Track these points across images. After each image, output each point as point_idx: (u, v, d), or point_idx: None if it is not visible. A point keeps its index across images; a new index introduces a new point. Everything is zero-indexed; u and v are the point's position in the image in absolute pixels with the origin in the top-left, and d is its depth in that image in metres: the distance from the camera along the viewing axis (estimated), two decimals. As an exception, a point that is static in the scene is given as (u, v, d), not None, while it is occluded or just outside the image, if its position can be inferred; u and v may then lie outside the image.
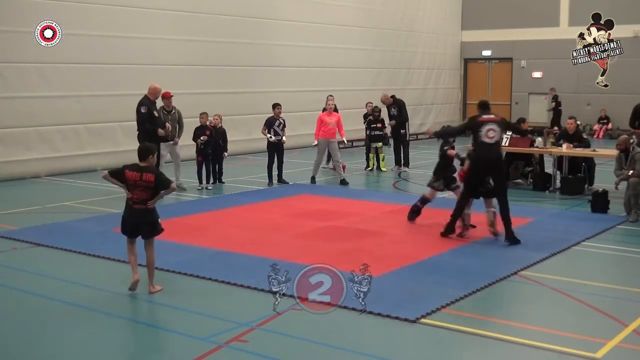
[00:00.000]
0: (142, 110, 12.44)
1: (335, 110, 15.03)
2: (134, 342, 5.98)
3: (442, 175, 10.24)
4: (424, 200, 10.41)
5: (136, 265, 7.22)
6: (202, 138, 13.50)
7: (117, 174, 7.10)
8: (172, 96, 13.15)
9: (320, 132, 14.43)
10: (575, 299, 7.04)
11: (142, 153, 7.09)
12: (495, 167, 9.34)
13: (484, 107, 9.61)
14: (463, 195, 9.49)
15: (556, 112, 24.73)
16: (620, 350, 5.73)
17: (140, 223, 7.09)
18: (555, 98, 25.08)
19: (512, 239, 9.16)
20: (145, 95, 12.68)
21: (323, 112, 15.08)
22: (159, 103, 13.15)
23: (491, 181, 9.40)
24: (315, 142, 14.59)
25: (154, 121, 12.50)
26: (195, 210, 11.52)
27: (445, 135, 10.23)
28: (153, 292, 7.17)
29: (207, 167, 13.81)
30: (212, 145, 13.68)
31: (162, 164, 13.11)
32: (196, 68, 18.34)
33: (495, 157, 9.35)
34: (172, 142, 13.11)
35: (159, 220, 7.17)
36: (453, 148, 10.21)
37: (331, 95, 15.28)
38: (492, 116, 9.42)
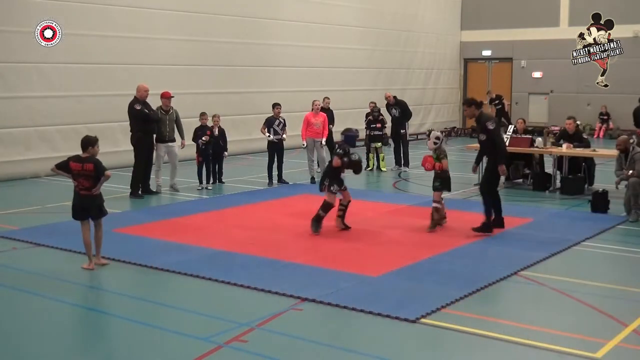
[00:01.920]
0: (137, 107, 12.50)
1: (325, 110, 15.21)
2: (134, 341, 5.98)
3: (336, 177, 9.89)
4: (327, 207, 9.79)
5: (91, 251, 8.03)
6: (203, 138, 13.50)
7: (62, 167, 7.97)
8: (172, 97, 13.14)
9: (307, 132, 14.55)
10: (575, 299, 7.04)
11: (83, 145, 7.96)
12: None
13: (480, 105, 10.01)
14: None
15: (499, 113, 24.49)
16: (620, 350, 5.73)
17: (89, 207, 7.93)
18: (493, 100, 24.55)
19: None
20: (135, 96, 12.71)
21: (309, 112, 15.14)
22: (157, 103, 13.17)
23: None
24: (304, 143, 14.67)
25: (148, 118, 12.55)
26: (195, 210, 11.52)
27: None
28: (98, 263, 8.02)
29: (208, 168, 13.83)
30: (213, 146, 13.69)
31: (160, 164, 13.11)
32: (196, 68, 18.34)
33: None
34: (170, 143, 13.09)
35: (104, 204, 8.07)
36: (341, 156, 9.82)
37: (318, 100, 15.26)
38: None
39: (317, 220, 9.76)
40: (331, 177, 9.84)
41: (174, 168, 13.27)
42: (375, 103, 17.25)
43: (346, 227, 9.96)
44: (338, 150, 9.93)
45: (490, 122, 9.73)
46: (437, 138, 9.89)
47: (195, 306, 6.78)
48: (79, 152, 8.12)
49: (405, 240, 9.49)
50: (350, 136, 10.38)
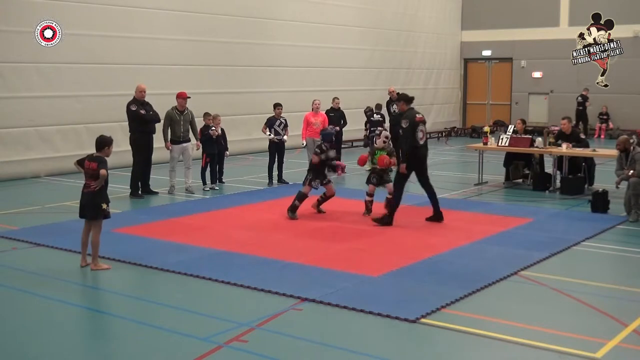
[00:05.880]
0: (132, 108, 12.52)
1: (335, 111, 15.19)
2: (134, 342, 5.98)
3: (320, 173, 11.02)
4: (302, 197, 10.85)
5: (85, 251, 8.14)
6: (213, 128, 13.44)
7: (80, 163, 8.17)
8: (188, 97, 13.10)
9: (307, 132, 14.55)
10: (575, 299, 7.04)
11: (97, 144, 8.11)
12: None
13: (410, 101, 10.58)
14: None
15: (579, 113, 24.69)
16: (620, 350, 5.73)
17: (85, 204, 8.03)
18: (584, 98, 25.01)
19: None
20: (134, 97, 12.71)
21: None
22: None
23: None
24: (304, 143, 14.68)
25: (144, 119, 12.55)
26: (196, 210, 11.52)
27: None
28: (94, 269, 7.93)
29: (213, 168, 13.78)
30: (215, 146, 13.65)
31: (174, 165, 13.08)
32: (196, 68, 18.34)
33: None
34: (185, 144, 13.05)
35: (105, 207, 8.00)
36: (318, 154, 10.93)
37: (318, 100, 15.26)
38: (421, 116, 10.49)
39: (292, 209, 10.80)
40: (313, 174, 10.95)
41: (187, 169, 13.25)
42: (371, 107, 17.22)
43: (320, 211, 11.17)
44: (316, 149, 11.10)
45: (405, 121, 10.31)
46: (387, 137, 11.15)
47: (195, 306, 6.78)
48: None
49: (405, 240, 9.50)
50: (327, 134, 11.37)
